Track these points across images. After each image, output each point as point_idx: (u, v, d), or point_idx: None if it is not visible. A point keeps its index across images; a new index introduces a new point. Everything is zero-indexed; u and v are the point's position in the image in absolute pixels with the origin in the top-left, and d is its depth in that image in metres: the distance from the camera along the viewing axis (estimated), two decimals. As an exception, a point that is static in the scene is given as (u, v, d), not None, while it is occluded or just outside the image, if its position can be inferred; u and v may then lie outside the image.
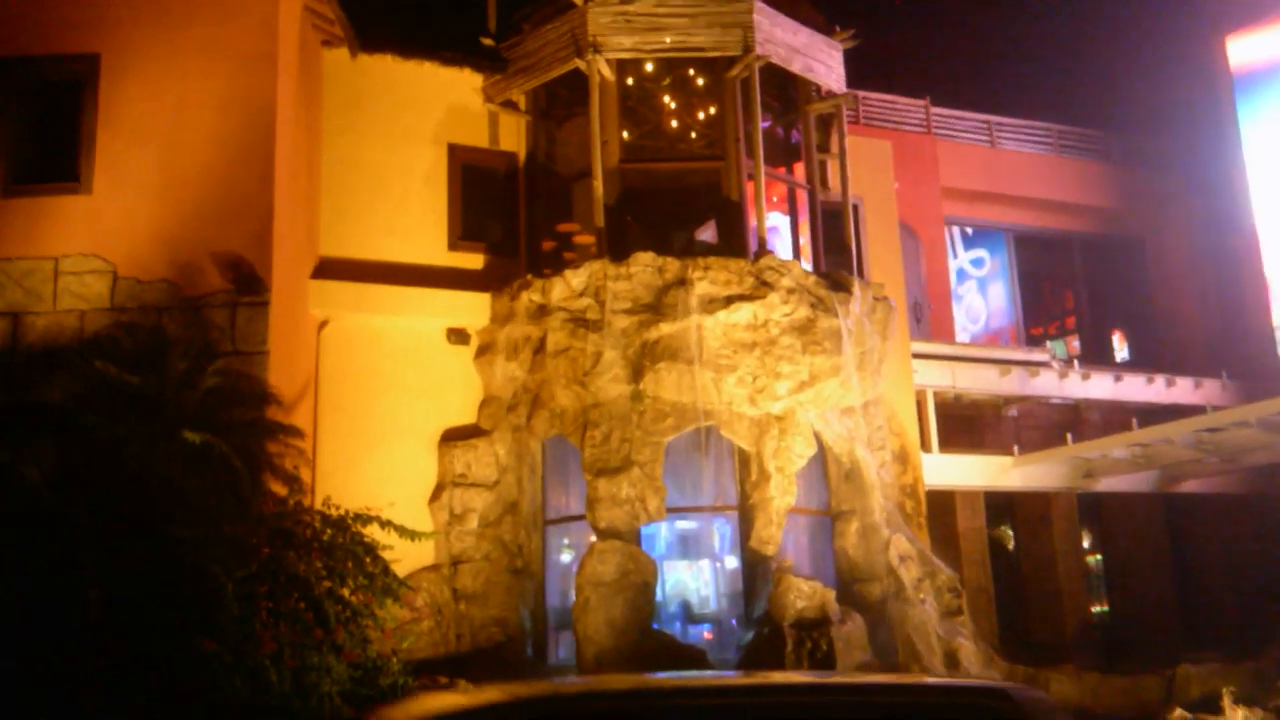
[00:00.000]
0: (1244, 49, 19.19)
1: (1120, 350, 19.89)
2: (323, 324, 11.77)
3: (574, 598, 10.93)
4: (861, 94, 17.28)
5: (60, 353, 9.39)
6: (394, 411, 11.77)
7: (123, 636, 7.13)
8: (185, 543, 7.50)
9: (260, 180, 10.28)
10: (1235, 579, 17.05)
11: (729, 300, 11.44)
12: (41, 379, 9.04)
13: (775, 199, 14.24)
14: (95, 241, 9.97)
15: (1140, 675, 12.42)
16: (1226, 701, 10.82)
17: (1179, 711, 10.86)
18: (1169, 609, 16.85)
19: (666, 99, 13.87)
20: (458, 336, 12.24)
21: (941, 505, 15.11)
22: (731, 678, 6.48)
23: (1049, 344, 18.84)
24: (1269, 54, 18.93)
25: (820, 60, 13.38)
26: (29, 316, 9.74)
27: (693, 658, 10.60)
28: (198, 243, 10.03)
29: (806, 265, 12.63)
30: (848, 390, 12.12)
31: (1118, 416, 16.58)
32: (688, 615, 12.10)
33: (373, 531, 8.91)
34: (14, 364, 9.45)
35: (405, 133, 12.58)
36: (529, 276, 11.95)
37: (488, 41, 13.26)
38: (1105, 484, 16.29)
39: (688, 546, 12.80)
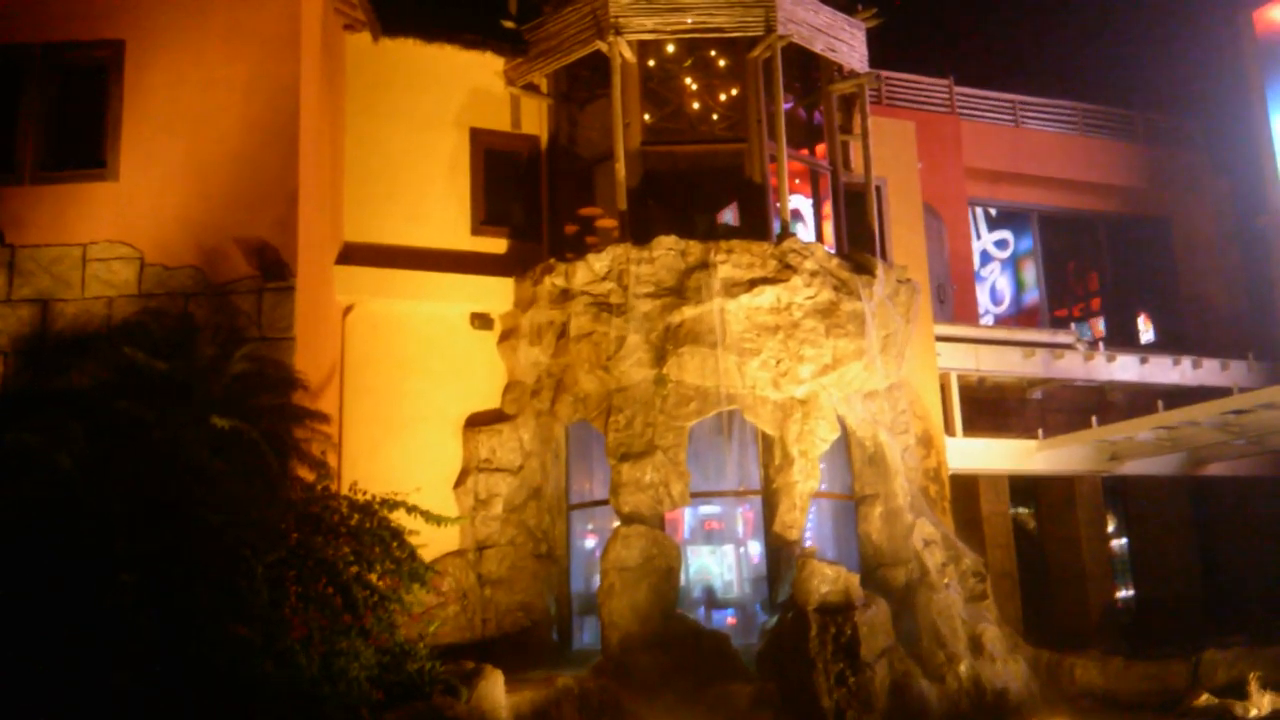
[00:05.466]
0: (1271, 23, 18.90)
1: (1146, 332, 19.74)
2: (348, 309, 11.80)
3: (598, 582, 10.96)
4: (884, 74, 17.16)
5: (89, 339, 9.47)
6: (419, 396, 11.80)
7: (154, 619, 7.18)
8: (215, 527, 7.55)
9: (284, 165, 10.30)
10: (1262, 562, 16.91)
11: (752, 283, 11.40)
12: (71, 365, 9.12)
13: (797, 180, 14.16)
14: (122, 228, 10.02)
15: (1165, 660, 12.33)
16: (1253, 686, 10.74)
17: (1205, 696, 10.79)
18: (1194, 593, 16.76)
19: (688, 80, 13.79)
20: (481, 321, 12.26)
21: (965, 489, 15.05)
22: None
23: (1074, 326, 18.71)
24: (1298, 30, 18.68)
25: (842, 40, 13.28)
26: (58, 303, 9.81)
27: (716, 642, 10.61)
28: (223, 229, 10.06)
29: (829, 247, 12.57)
30: (871, 373, 12.07)
31: (1143, 399, 16.45)
32: (711, 600, 12.11)
33: (399, 516, 8.95)
34: (44, 350, 9.53)
35: (427, 117, 12.57)
36: (552, 261, 11.94)
37: (509, 24, 13.21)
38: (1130, 467, 16.19)
39: (711, 531, 12.81)
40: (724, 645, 10.58)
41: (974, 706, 10.96)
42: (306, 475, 9.28)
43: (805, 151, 13.88)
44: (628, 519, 11.01)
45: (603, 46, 12.18)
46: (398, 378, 11.78)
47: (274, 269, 9.96)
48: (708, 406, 11.39)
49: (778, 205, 12.22)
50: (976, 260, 18.94)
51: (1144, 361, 17.02)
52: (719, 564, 12.57)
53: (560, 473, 12.19)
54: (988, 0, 25.72)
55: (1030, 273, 19.55)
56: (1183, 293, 19.61)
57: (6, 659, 6.85)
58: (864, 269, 12.20)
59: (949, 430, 14.60)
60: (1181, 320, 19.45)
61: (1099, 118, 19.72)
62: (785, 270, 11.51)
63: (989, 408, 16.36)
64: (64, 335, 9.65)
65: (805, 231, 13.75)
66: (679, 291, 11.37)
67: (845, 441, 12.31)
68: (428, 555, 9.23)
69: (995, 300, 19.68)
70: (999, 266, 19.71)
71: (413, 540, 8.91)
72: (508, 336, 12.18)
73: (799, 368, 11.48)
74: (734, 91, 13.35)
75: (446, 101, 12.73)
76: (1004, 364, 15.95)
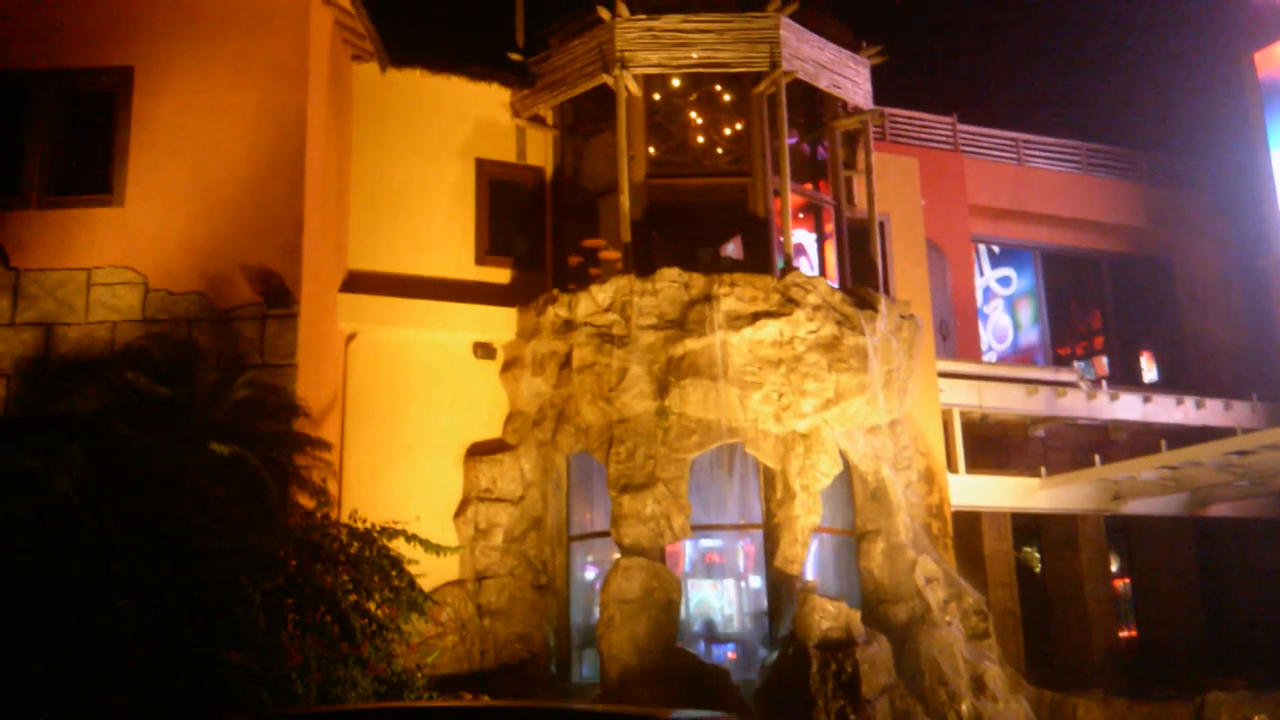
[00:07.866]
0: (1273, 65, 19.01)
1: (1149, 371, 19.71)
2: (350, 337, 11.80)
3: (598, 615, 10.88)
4: (888, 110, 17.25)
5: (92, 363, 9.46)
6: (420, 425, 11.76)
7: (150, 645, 7.14)
8: (214, 553, 7.52)
9: (290, 193, 10.34)
10: (1265, 604, 16.82)
11: (755, 317, 11.39)
12: (73, 389, 9.11)
13: (801, 215, 14.21)
14: (127, 253, 10.05)
15: (1168, 701, 12.26)
16: (1258, 729, 10.68)
17: (1209, 738, 10.72)
18: (1198, 634, 16.64)
19: (693, 114, 13.87)
20: (484, 351, 12.24)
21: (967, 526, 14.98)
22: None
23: (1077, 364, 18.69)
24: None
25: (847, 76, 13.36)
26: (61, 327, 9.81)
27: (716, 677, 10.51)
28: (228, 255, 10.09)
29: (832, 282, 12.58)
30: (874, 408, 12.04)
31: (1146, 438, 16.40)
32: (711, 634, 12.02)
33: (398, 545, 8.92)
34: (46, 374, 9.52)
35: (433, 147, 12.63)
36: (555, 291, 11.95)
37: (515, 57, 13.30)
38: (1133, 506, 16.11)
39: (712, 564, 12.73)
40: (724, 680, 10.47)
41: (976, 746, 10.84)
42: (306, 503, 9.25)
43: (809, 186, 13.93)
44: (628, 551, 10.95)
45: (608, 80, 12.26)
46: (399, 406, 11.75)
47: (278, 296, 9.97)
48: (710, 439, 11.36)
49: (781, 239, 12.25)
50: (980, 297, 18.96)
51: (1147, 401, 16.99)
52: (719, 598, 12.49)
53: (561, 503, 12.14)
54: (992, 40, 25.93)
55: (1026, 312, 19.55)
56: (1186, 333, 19.61)
57: (1, 678, 6.81)
58: (867, 304, 12.20)
59: (951, 467, 14.55)
60: (1184, 360, 19.43)
61: (1102, 157, 19.80)
62: (788, 304, 11.51)
63: (991, 445, 16.32)
64: (67, 359, 9.64)
65: (808, 266, 13.78)
66: (681, 324, 11.37)
67: (847, 476, 12.26)
68: (427, 585, 9.19)
69: (998, 337, 19.68)
70: (1002, 303, 19.73)
71: (412, 569, 8.89)
72: (510, 366, 12.17)
73: (801, 402, 11.45)
74: (738, 126, 13.42)
75: (452, 132, 12.80)
76: (1007, 401, 15.92)
